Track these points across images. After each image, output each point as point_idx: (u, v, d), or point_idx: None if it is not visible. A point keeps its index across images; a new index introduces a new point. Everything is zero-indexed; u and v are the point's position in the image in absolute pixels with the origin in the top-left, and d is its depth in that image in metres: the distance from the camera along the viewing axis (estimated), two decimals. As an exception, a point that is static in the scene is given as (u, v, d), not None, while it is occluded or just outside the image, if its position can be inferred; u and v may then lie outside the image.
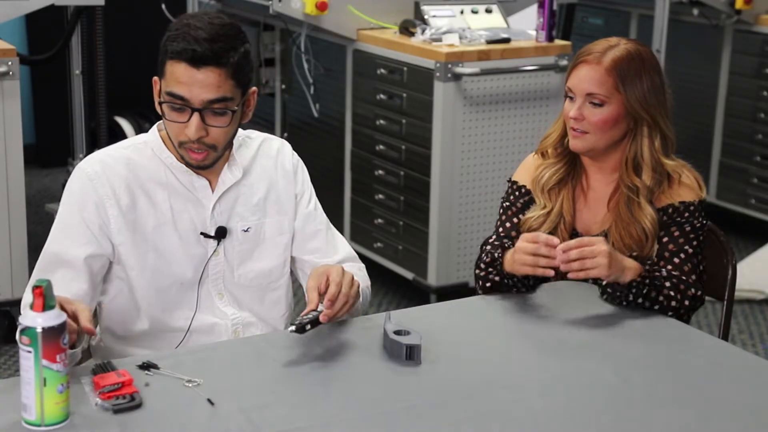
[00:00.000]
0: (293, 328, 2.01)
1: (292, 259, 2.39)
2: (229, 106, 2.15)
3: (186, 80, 2.11)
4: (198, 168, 2.23)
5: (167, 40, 2.15)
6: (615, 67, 2.41)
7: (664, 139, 2.46)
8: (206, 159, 2.20)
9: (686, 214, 2.45)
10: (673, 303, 2.34)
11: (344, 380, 1.95)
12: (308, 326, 2.03)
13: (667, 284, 2.34)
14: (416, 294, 4.43)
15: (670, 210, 2.45)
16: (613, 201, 2.49)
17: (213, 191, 2.27)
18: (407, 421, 1.84)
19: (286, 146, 2.41)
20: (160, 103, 2.16)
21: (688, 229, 2.44)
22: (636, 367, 2.07)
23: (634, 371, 2.05)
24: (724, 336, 2.53)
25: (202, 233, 2.26)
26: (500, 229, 2.57)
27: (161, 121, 2.28)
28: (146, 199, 2.23)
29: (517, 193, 2.58)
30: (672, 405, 1.93)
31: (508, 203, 2.58)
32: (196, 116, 2.13)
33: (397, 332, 2.07)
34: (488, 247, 2.51)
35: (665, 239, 2.44)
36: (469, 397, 1.93)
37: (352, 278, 2.13)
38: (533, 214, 2.52)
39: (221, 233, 2.27)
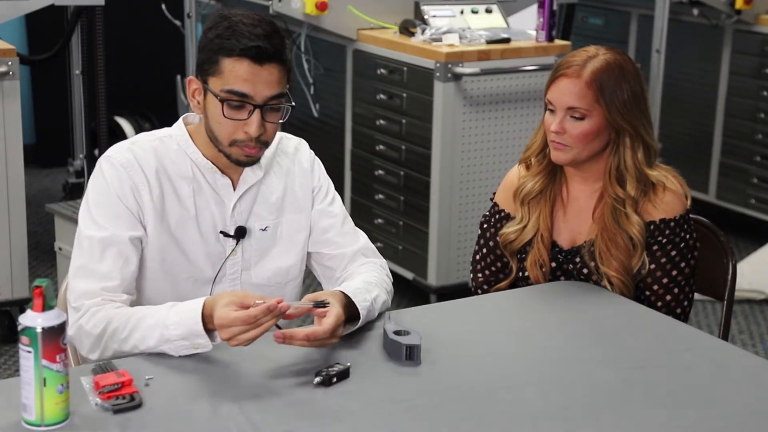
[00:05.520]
0: (319, 380, 1.93)
1: (308, 254, 2.38)
2: (283, 102, 2.17)
3: (249, 77, 2.11)
4: (246, 164, 2.22)
5: (217, 38, 2.13)
6: (595, 79, 2.39)
7: (647, 148, 2.45)
8: (258, 154, 2.20)
9: (667, 231, 2.44)
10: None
11: (344, 380, 1.95)
12: (334, 379, 1.94)
13: None
14: (416, 294, 4.43)
15: (651, 227, 2.44)
16: (598, 211, 2.48)
17: (234, 190, 2.27)
18: (407, 421, 1.84)
19: (303, 144, 2.41)
20: (222, 101, 2.13)
21: (670, 248, 2.44)
22: (636, 367, 2.07)
23: (634, 371, 2.05)
24: (724, 336, 2.53)
25: (221, 232, 2.26)
26: (481, 242, 2.63)
27: (186, 114, 2.28)
28: (172, 192, 2.23)
29: (496, 216, 2.61)
30: (672, 405, 1.93)
31: (486, 224, 2.63)
32: (257, 113, 2.13)
33: (397, 332, 2.07)
34: (479, 275, 2.62)
35: (648, 259, 2.44)
36: (469, 397, 1.93)
37: (341, 329, 2.08)
38: (509, 228, 2.54)
39: (241, 233, 2.27)
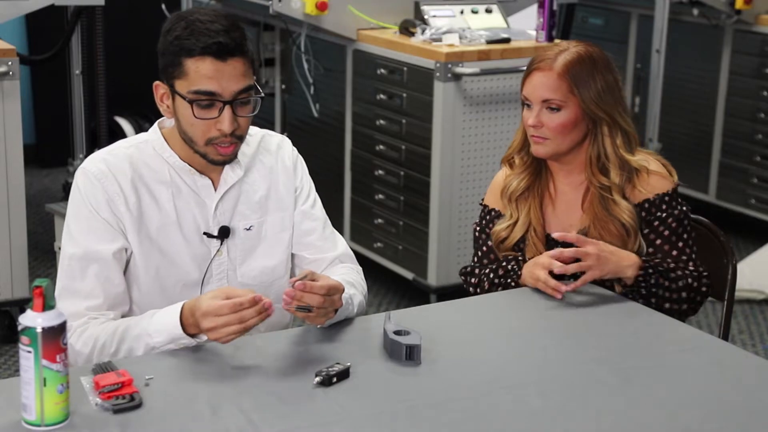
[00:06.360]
0: (319, 380, 1.92)
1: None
2: (252, 94, 2.16)
3: (214, 74, 2.10)
4: (223, 163, 2.22)
5: (176, 39, 2.12)
6: (567, 71, 2.44)
7: (626, 135, 2.49)
8: (234, 151, 2.20)
9: (663, 206, 2.47)
10: (694, 283, 2.42)
11: (344, 380, 1.95)
12: (334, 379, 1.93)
13: (675, 272, 2.41)
14: (416, 294, 4.43)
15: (647, 205, 2.47)
16: (587, 201, 2.51)
17: (215, 190, 2.27)
18: (407, 421, 1.84)
19: (286, 141, 2.41)
20: (191, 102, 2.12)
21: (671, 221, 2.47)
22: (636, 367, 2.07)
23: (634, 371, 2.05)
24: (724, 336, 2.53)
25: (205, 233, 2.26)
26: (479, 253, 2.62)
27: (162, 119, 2.28)
28: (150, 198, 2.23)
29: (488, 217, 2.62)
30: (672, 405, 1.93)
31: (479, 228, 2.63)
32: (228, 109, 2.13)
33: (397, 332, 2.07)
34: (477, 271, 2.57)
35: (652, 236, 2.47)
36: (469, 397, 1.93)
37: (339, 299, 2.09)
38: (501, 225, 2.55)
39: (224, 233, 2.27)
